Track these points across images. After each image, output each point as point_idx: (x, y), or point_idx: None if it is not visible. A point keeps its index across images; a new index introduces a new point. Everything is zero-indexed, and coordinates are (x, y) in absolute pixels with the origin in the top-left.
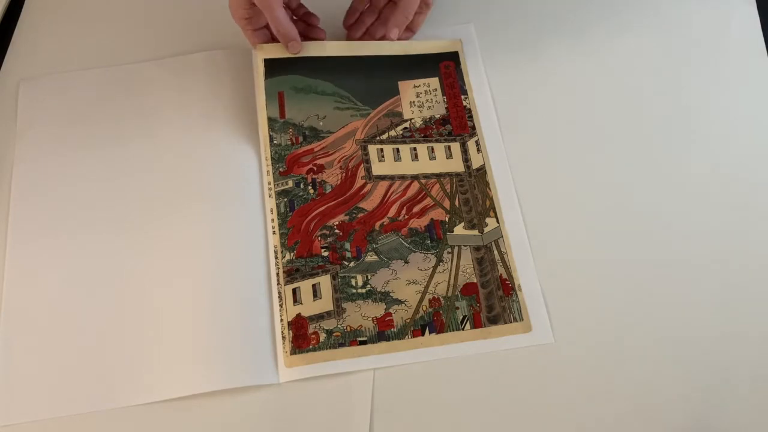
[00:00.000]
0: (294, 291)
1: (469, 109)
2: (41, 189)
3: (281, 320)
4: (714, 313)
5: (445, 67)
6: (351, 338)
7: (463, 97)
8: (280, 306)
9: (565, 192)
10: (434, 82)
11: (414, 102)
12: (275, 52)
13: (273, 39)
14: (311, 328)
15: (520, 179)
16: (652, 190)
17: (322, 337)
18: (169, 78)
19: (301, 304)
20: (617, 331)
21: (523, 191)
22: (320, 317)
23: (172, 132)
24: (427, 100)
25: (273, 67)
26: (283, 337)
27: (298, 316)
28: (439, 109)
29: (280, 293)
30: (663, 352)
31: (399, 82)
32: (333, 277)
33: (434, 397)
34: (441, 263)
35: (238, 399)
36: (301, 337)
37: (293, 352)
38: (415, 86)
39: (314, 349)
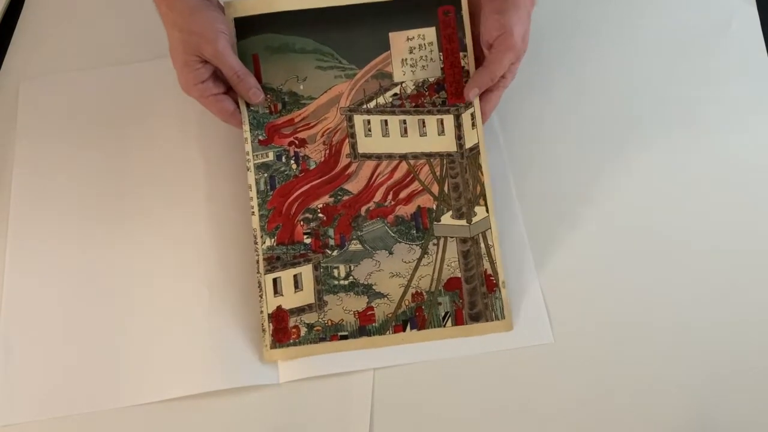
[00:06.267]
0: (275, 281)
1: (468, 71)
2: (41, 189)
3: (261, 312)
4: (714, 311)
5: (444, 13)
6: (332, 333)
7: (462, 55)
8: (260, 297)
9: (564, 189)
10: (430, 33)
11: (406, 60)
12: (245, 9)
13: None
14: (292, 322)
15: (517, 166)
16: (652, 188)
17: (303, 331)
18: (168, 78)
19: (282, 295)
20: (617, 331)
21: (520, 185)
22: (301, 310)
23: (172, 132)
24: (422, 57)
25: (244, 26)
26: (263, 330)
27: (279, 308)
28: (434, 70)
29: (259, 282)
30: (663, 351)
31: (390, 34)
32: (315, 268)
33: (434, 397)
34: (426, 255)
35: (238, 399)
36: (282, 330)
37: (273, 345)
38: (408, 39)
39: (295, 344)
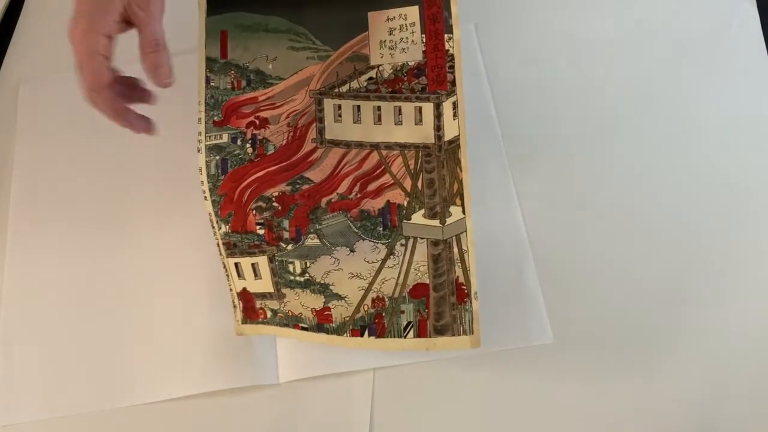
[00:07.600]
0: (236, 265)
1: (452, 55)
2: (41, 189)
3: (231, 289)
4: (716, 312)
5: None
6: (294, 322)
7: (446, 37)
8: (227, 275)
9: (564, 188)
10: (413, 13)
11: (385, 42)
12: None
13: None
14: (257, 304)
15: (516, 165)
16: (652, 188)
17: (269, 314)
18: None
19: (244, 279)
20: (617, 331)
21: (520, 185)
22: (263, 296)
23: (171, 131)
24: (402, 39)
25: (216, 2)
26: (234, 306)
27: (244, 290)
28: (414, 53)
29: (224, 264)
30: (664, 351)
31: (369, 14)
32: (270, 260)
33: (434, 396)
34: (392, 256)
35: (238, 399)
36: (250, 309)
37: (244, 321)
38: (388, 18)
39: (264, 323)
